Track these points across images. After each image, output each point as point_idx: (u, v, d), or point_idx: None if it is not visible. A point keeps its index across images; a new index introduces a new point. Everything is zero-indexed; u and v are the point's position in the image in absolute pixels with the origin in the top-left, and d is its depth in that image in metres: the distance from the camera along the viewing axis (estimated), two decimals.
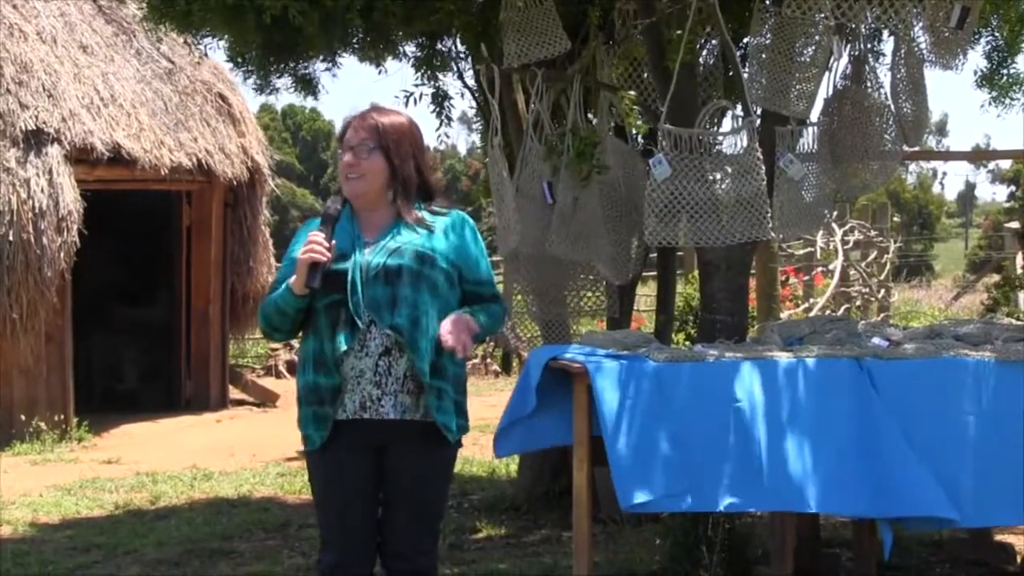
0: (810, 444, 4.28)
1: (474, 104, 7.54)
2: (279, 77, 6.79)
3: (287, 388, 13.32)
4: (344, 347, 3.73)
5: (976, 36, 6.49)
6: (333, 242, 3.77)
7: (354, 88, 12.12)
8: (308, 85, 6.95)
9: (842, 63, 5.45)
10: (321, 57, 6.63)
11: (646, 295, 15.85)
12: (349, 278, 3.75)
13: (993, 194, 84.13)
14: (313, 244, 3.74)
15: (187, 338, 12.80)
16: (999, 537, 5.93)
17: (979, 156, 16.86)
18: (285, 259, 3.97)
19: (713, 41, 6.08)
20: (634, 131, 6.39)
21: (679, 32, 5.32)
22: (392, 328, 3.73)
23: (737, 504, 4.32)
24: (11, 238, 10.19)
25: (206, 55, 7.05)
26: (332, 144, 44.79)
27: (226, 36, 6.30)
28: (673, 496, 4.25)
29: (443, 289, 3.82)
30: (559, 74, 5.82)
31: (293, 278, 3.78)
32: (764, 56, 5.13)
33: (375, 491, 3.86)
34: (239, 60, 6.66)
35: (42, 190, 10.33)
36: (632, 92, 6.11)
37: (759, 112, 5.18)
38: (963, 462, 4.33)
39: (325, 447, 3.80)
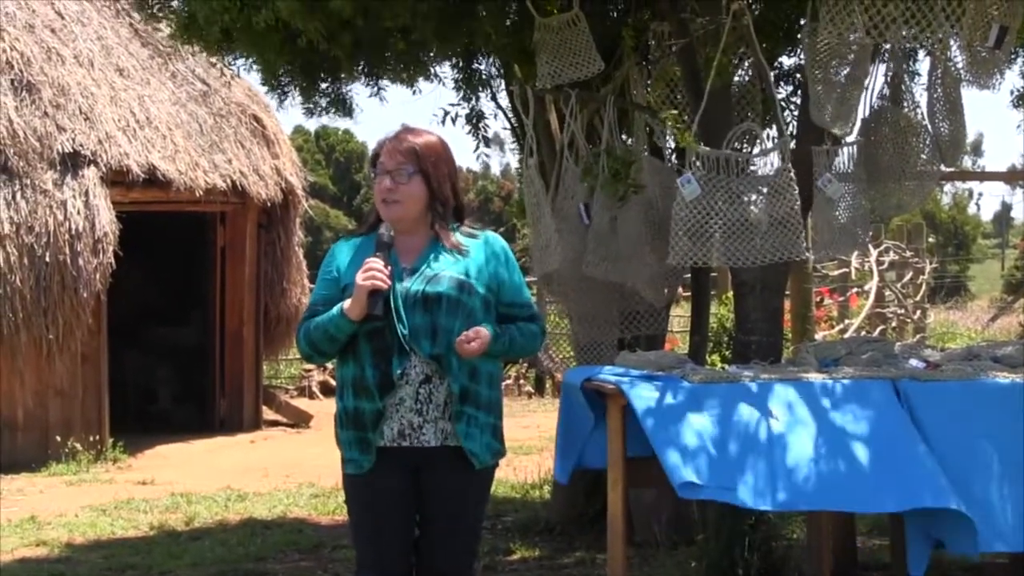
0: (847, 456, 4.22)
1: (508, 125, 7.54)
2: (314, 98, 6.80)
3: (321, 409, 13.34)
4: (398, 372, 3.71)
5: (1013, 55, 6.45)
6: (389, 268, 3.72)
7: (386, 109, 12.17)
8: (343, 106, 6.96)
9: (878, 83, 5.43)
10: (362, 80, 6.64)
11: (680, 316, 15.78)
12: (392, 305, 3.72)
13: None
14: (374, 271, 3.67)
15: (221, 359, 12.83)
16: None
17: (1016, 176, 16.73)
18: (319, 280, 3.91)
19: (747, 62, 6.07)
20: (670, 150, 6.35)
21: (714, 52, 5.30)
22: (433, 358, 3.72)
23: (785, 502, 4.23)
24: (47, 259, 10.27)
25: (237, 75, 7.08)
26: (365, 165, 44.91)
27: (255, 59, 6.32)
28: (725, 488, 4.14)
29: (479, 315, 3.78)
30: (592, 95, 5.81)
31: (347, 303, 3.71)
32: (801, 76, 5.11)
33: (412, 512, 3.85)
34: (272, 83, 6.68)
35: (78, 212, 10.42)
36: (675, 112, 6.10)
37: (795, 132, 5.16)
38: (1001, 484, 4.28)
39: (368, 472, 3.78)
